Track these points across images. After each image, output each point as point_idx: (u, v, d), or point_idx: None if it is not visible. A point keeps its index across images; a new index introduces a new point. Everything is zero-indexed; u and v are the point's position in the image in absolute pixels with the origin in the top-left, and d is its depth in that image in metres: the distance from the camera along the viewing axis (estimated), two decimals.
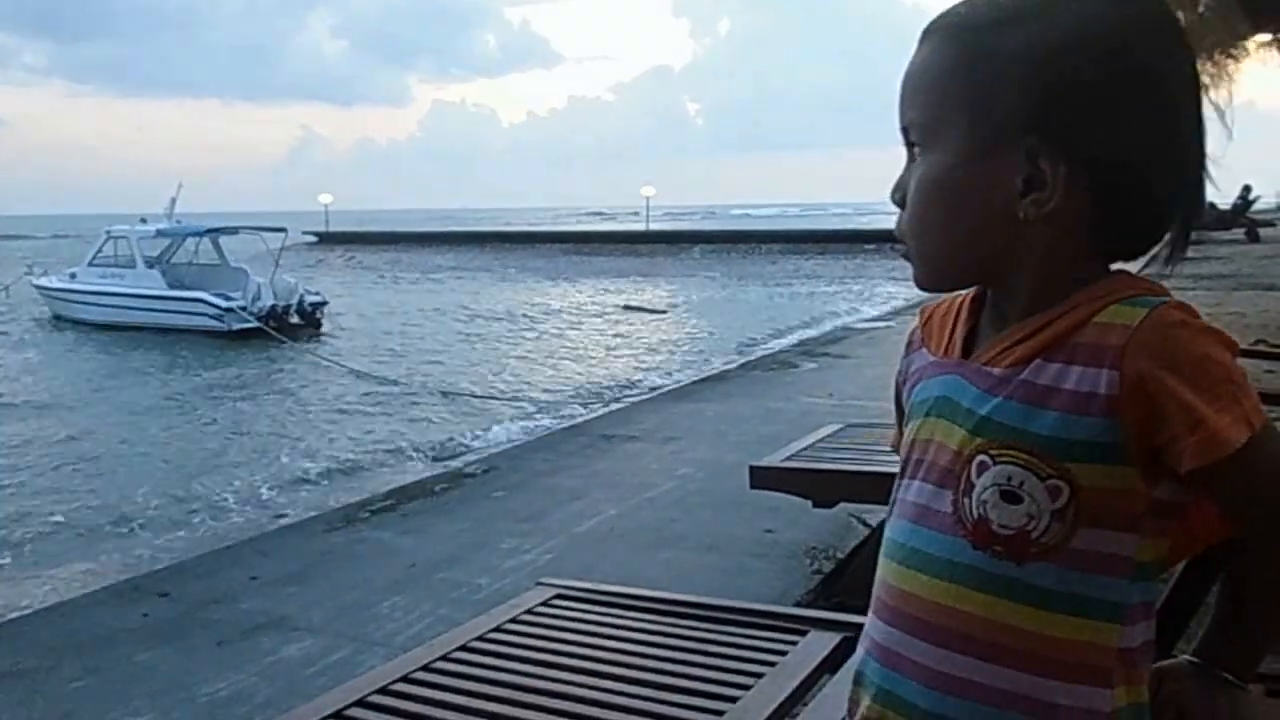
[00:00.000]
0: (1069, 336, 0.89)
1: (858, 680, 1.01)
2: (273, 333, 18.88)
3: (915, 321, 1.07)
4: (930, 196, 0.94)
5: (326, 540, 4.84)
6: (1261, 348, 7.74)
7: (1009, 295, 0.95)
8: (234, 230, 23.84)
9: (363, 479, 8.60)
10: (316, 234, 53.04)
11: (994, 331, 0.96)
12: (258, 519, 7.33)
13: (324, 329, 20.92)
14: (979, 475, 0.91)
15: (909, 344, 1.06)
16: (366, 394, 13.50)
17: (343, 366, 15.59)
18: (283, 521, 6.64)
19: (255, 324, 19.43)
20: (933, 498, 0.95)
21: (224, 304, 20.07)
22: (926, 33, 0.95)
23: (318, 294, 21.71)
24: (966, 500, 0.92)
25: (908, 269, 0.98)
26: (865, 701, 0.99)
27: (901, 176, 0.97)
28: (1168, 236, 0.94)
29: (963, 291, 1.01)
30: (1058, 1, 0.89)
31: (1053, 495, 0.88)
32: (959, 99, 0.91)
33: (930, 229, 0.95)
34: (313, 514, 6.12)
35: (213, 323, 20.01)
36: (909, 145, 0.95)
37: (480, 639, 2.07)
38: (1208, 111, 0.93)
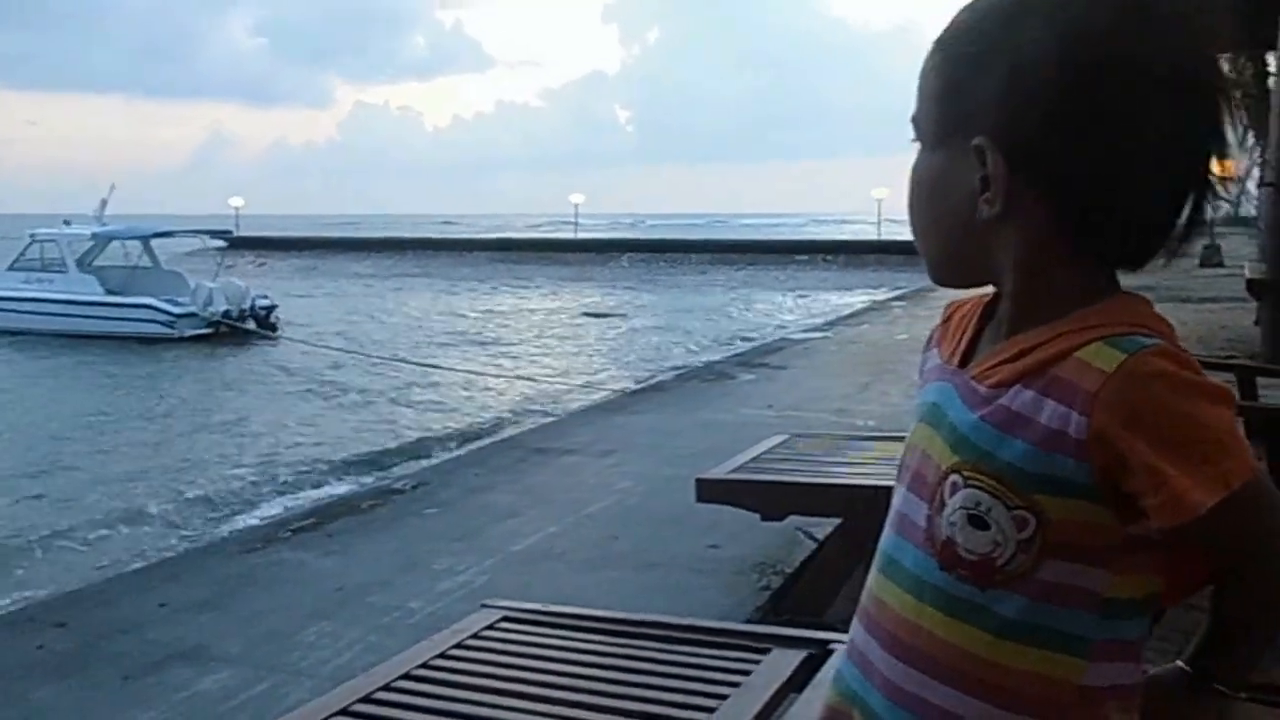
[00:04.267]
0: (1050, 365, 0.87)
1: (835, 679, 1.01)
2: (232, 330, 18.86)
3: (939, 317, 1.05)
4: (912, 190, 0.97)
5: (244, 562, 4.53)
6: None
7: (1005, 300, 0.94)
8: (170, 233, 23.07)
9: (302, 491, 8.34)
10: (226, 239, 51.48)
11: (992, 342, 0.94)
12: (174, 539, 6.96)
13: (279, 333, 20.14)
14: (951, 495, 0.90)
15: (929, 340, 1.04)
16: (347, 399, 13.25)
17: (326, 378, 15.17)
18: (206, 540, 6.30)
19: (208, 329, 19.03)
20: (912, 508, 0.95)
21: (175, 310, 19.35)
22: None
23: (266, 297, 20.86)
24: (938, 518, 0.91)
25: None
26: (837, 701, 1.00)
27: None
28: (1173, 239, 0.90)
29: (986, 290, 0.98)
30: (1030, 12, 0.87)
31: (1019, 525, 0.87)
32: (931, 99, 0.94)
33: (915, 222, 0.97)
34: (228, 534, 5.79)
35: (162, 329, 19.22)
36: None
37: (424, 666, 1.95)
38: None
